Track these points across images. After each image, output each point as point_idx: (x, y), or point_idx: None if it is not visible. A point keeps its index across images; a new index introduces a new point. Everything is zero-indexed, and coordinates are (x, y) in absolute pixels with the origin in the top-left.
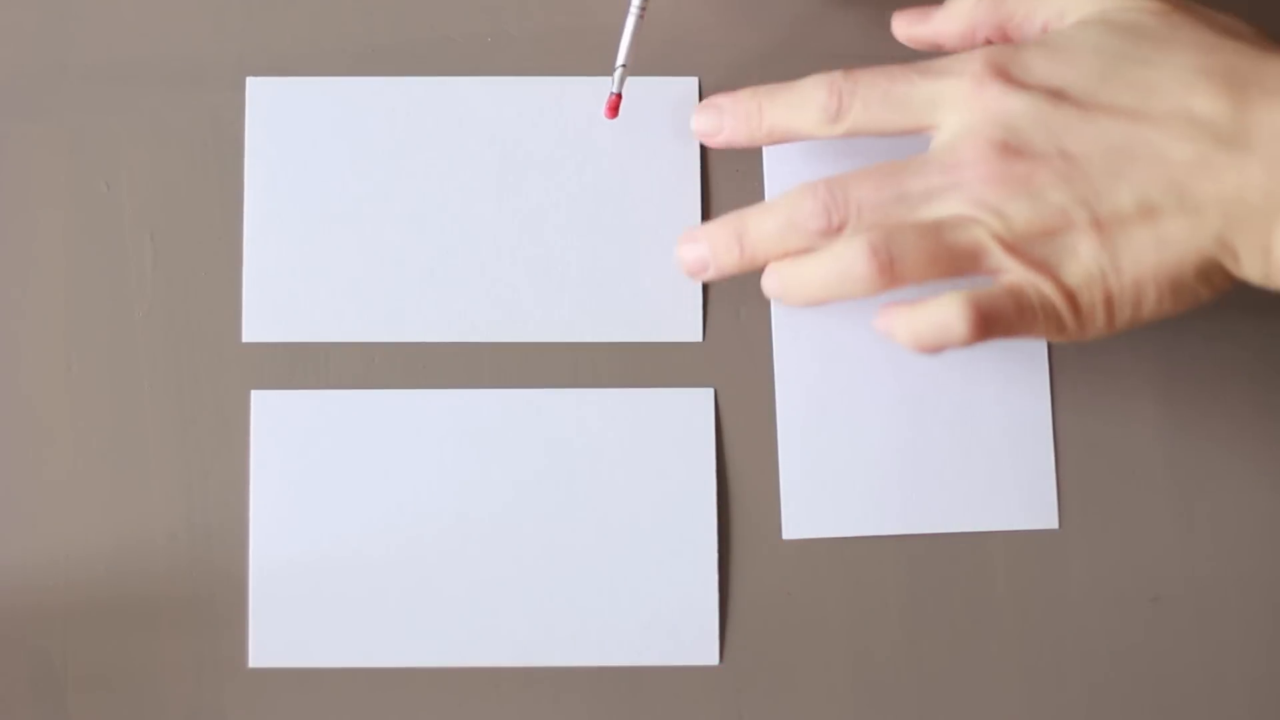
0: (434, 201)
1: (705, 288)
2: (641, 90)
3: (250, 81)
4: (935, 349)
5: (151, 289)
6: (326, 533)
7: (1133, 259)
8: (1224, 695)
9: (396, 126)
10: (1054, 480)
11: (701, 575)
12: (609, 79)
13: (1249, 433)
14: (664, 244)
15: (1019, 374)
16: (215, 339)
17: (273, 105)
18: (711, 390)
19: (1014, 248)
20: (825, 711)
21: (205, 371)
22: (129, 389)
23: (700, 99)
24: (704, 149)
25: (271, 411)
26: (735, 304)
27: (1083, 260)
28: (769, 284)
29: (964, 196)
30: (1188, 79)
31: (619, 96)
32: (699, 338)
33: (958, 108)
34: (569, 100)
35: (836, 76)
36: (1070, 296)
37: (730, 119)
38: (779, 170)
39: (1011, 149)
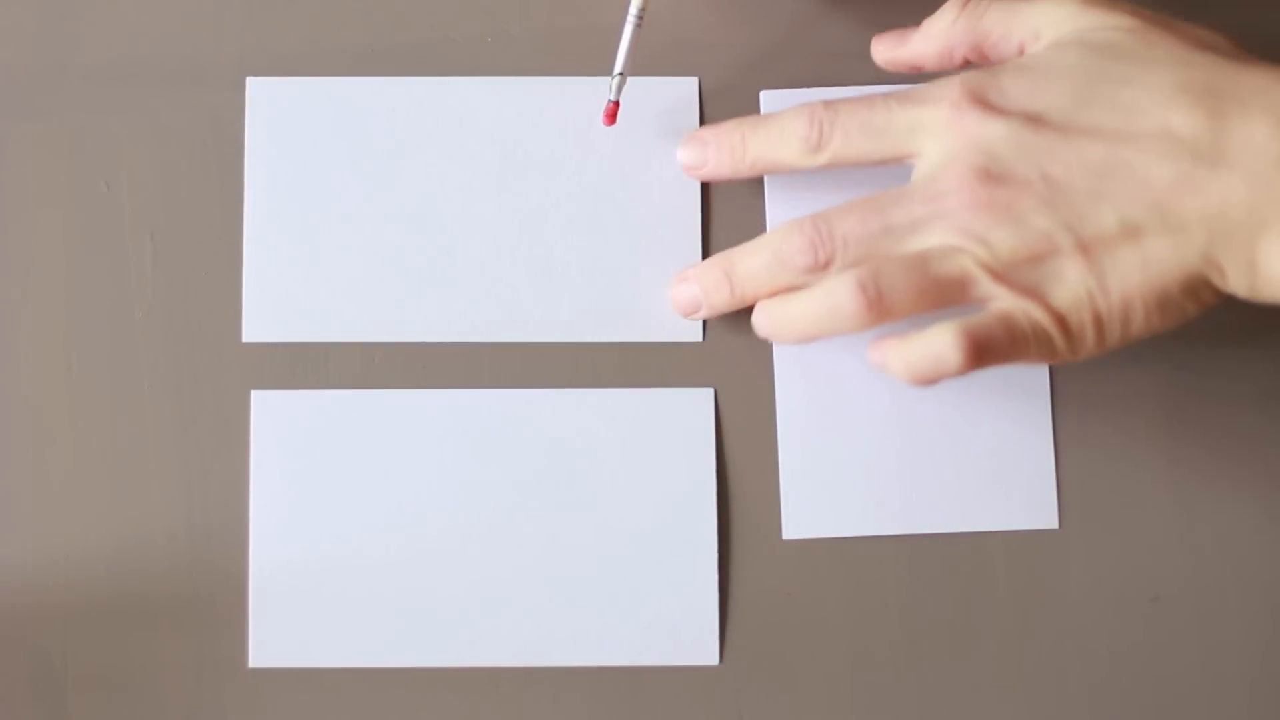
0: (434, 201)
1: None
2: (641, 90)
3: (250, 81)
4: (930, 380)
5: (151, 289)
6: (326, 533)
7: (1119, 279)
8: (1224, 695)
9: (396, 126)
10: (1054, 480)
11: (701, 575)
12: (609, 80)
13: (1249, 433)
14: (664, 244)
15: (1019, 375)
16: (215, 339)
17: (273, 105)
18: (711, 390)
19: (1001, 275)
20: (825, 711)
21: (205, 371)
22: (129, 389)
23: (700, 99)
24: None
25: (271, 411)
26: None
27: (1070, 283)
28: (759, 322)
29: (948, 226)
30: (1165, 96)
31: (617, 104)
32: (699, 338)
33: (937, 135)
34: (569, 100)
35: (816, 107)
36: (1060, 320)
37: (714, 151)
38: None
39: (993, 175)
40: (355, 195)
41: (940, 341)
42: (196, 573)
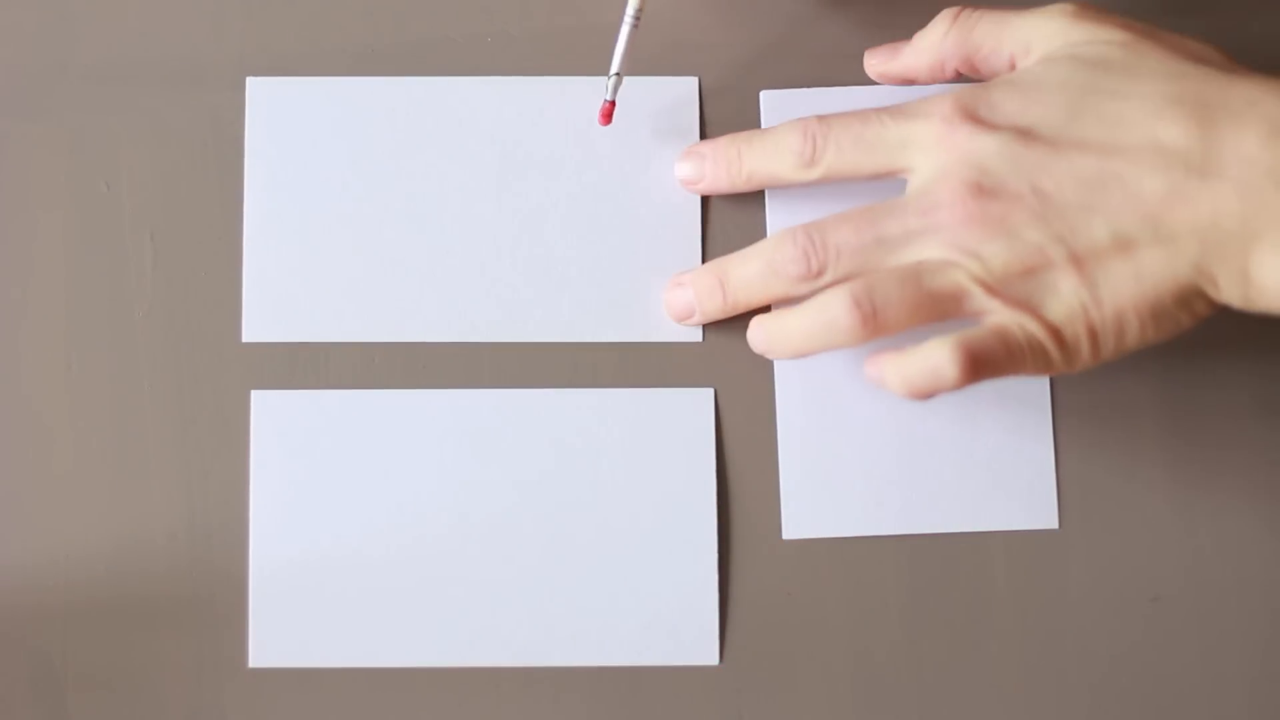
0: (434, 201)
1: None
2: (641, 90)
3: (250, 81)
4: (927, 394)
5: (151, 289)
6: (326, 533)
7: (1112, 291)
8: (1224, 695)
9: (396, 126)
10: (1054, 480)
11: (701, 575)
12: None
13: (1249, 433)
14: (664, 244)
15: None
16: (215, 339)
17: (273, 105)
18: (711, 390)
19: (995, 289)
20: (825, 711)
21: (205, 371)
22: (129, 389)
23: (700, 99)
24: None
25: (271, 411)
26: None
27: (1064, 296)
28: (755, 338)
29: (941, 239)
30: (1156, 109)
31: (613, 104)
32: (699, 338)
33: (929, 150)
34: (569, 100)
35: (810, 121)
36: (1055, 332)
37: (711, 165)
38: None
39: (985, 190)
40: (355, 195)
41: (937, 356)
42: (196, 573)
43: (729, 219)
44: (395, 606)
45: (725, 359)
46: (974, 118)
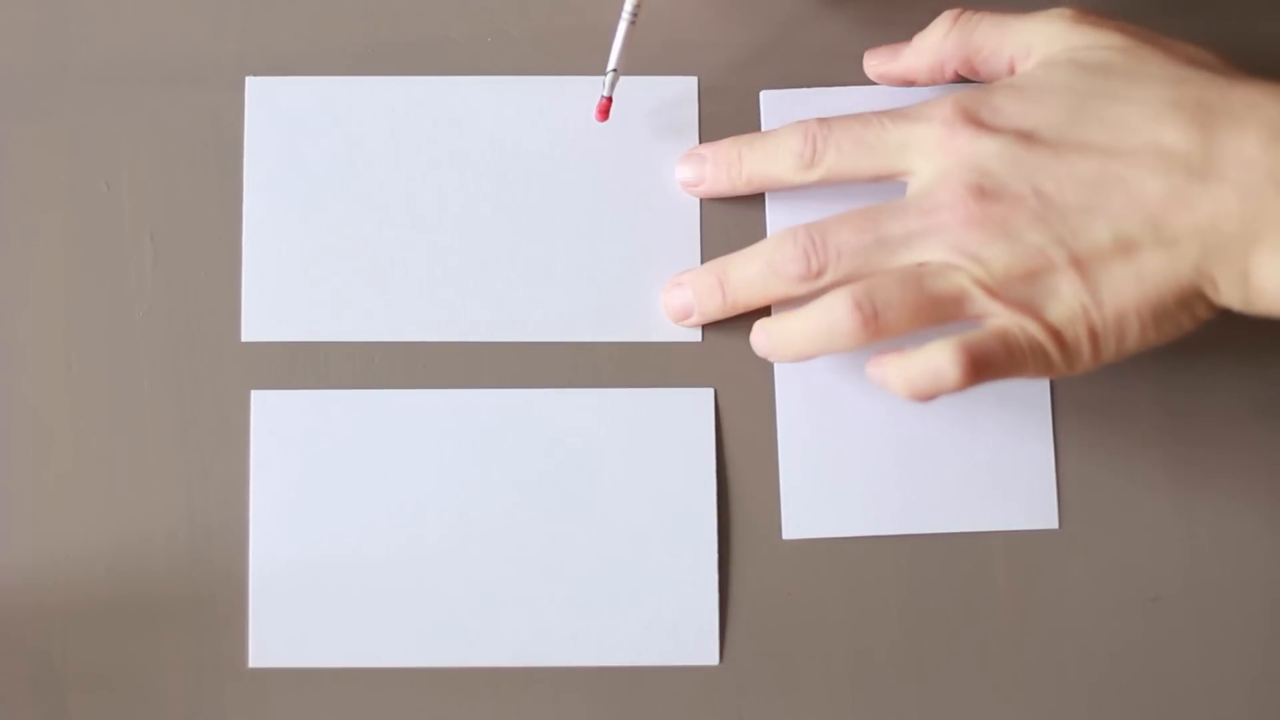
0: (434, 201)
1: None
2: (640, 90)
3: (250, 81)
4: (929, 396)
5: (151, 289)
6: (326, 533)
7: (1113, 293)
8: (1223, 695)
9: (396, 126)
10: (1054, 480)
11: (701, 575)
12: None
13: (1248, 433)
14: (664, 243)
15: None
16: (215, 339)
17: (272, 105)
18: (711, 390)
19: (996, 292)
20: (825, 711)
21: (205, 371)
22: (129, 389)
23: (699, 99)
24: None
25: (271, 411)
26: None
27: (1065, 298)
28: (758, 341)
29: (943, 241)
30: (1157, 112)
31: (609, 100)
32: (699, 338)
33: (930, 153)
34: (569, 100)
35: (811, 124)
36: (1056, 334)
37: (711, 168)
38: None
39: (986, 192)
40: (355, 195)
41: (938, 357)
42: (196, 573)
43: (729, 219)
44: (395, 606)
45: (725, 359)
46: (975, 120)
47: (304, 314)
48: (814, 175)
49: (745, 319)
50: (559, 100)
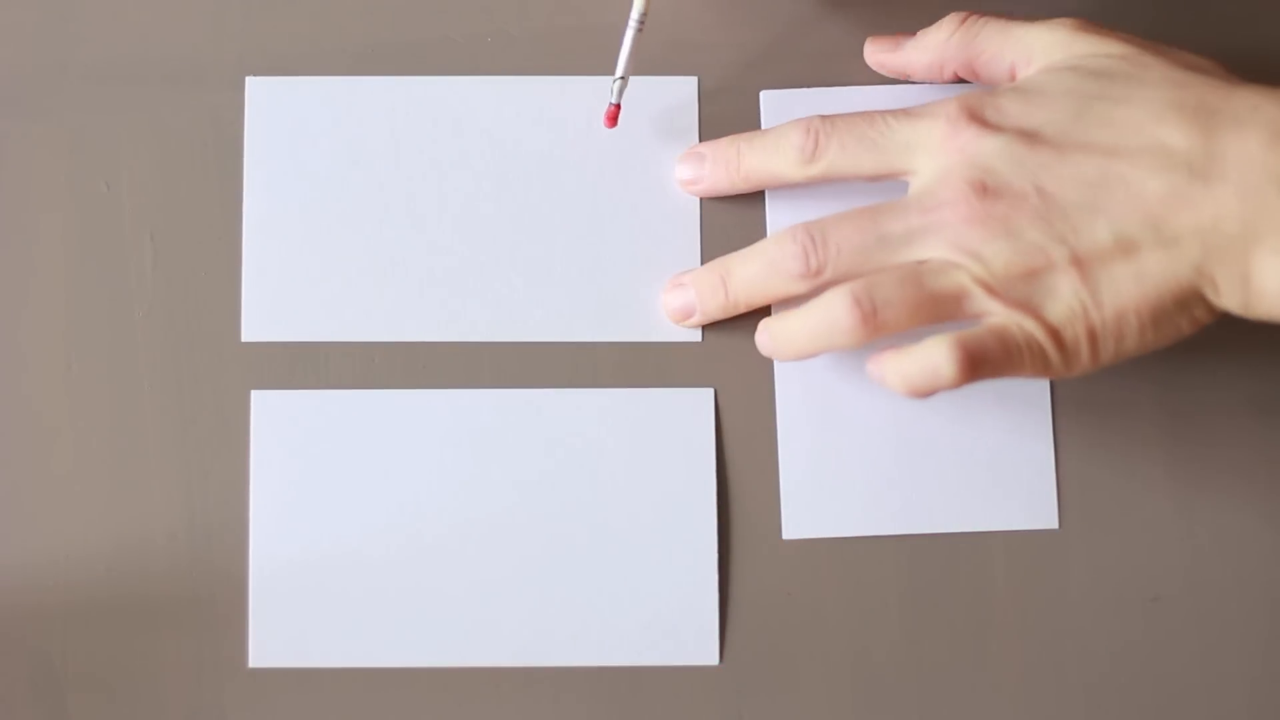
0: (434, 201)
1: None
2: (641, 90)
3: (250, 81)
4: (926, 392)
5: (151, 289)
6: (326, 533)
7: (1113, 293)
8: (1223, 695)
9: (396, 126)
10: (1054, 480)
11: (701, 575)
12: (609, 80)
13: (1248, 433)
14: (664, 243)
15: None
16: (215, 339)
17: (272, 105)
18: (711, 390)
19: (995, 290)
20: (825, 711)
21: (205, 371)
22: (129, 389)
23: (699, 99)
24: None
25: (271, 411)
26: None
27: (1064, 297)
28: (761, 341)
29: (944, 238)
30: (1159, 113)
31: (618, 107)
32: (699, 338)
33: (933, 152)
34: (569, 100)
35: (814, 119)
36: (1055, 334)
37: (710, 165)
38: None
39: (989, 190)
40: (355, 195)
41: (935, 354)
42: (196, 573)
43: (729, 219)
44: (395, 606)
45: (725, 359)
46: (980, 119)
47: (304, 314)
48: (814, 170)
49: (745, 319)
50: (559, 100)
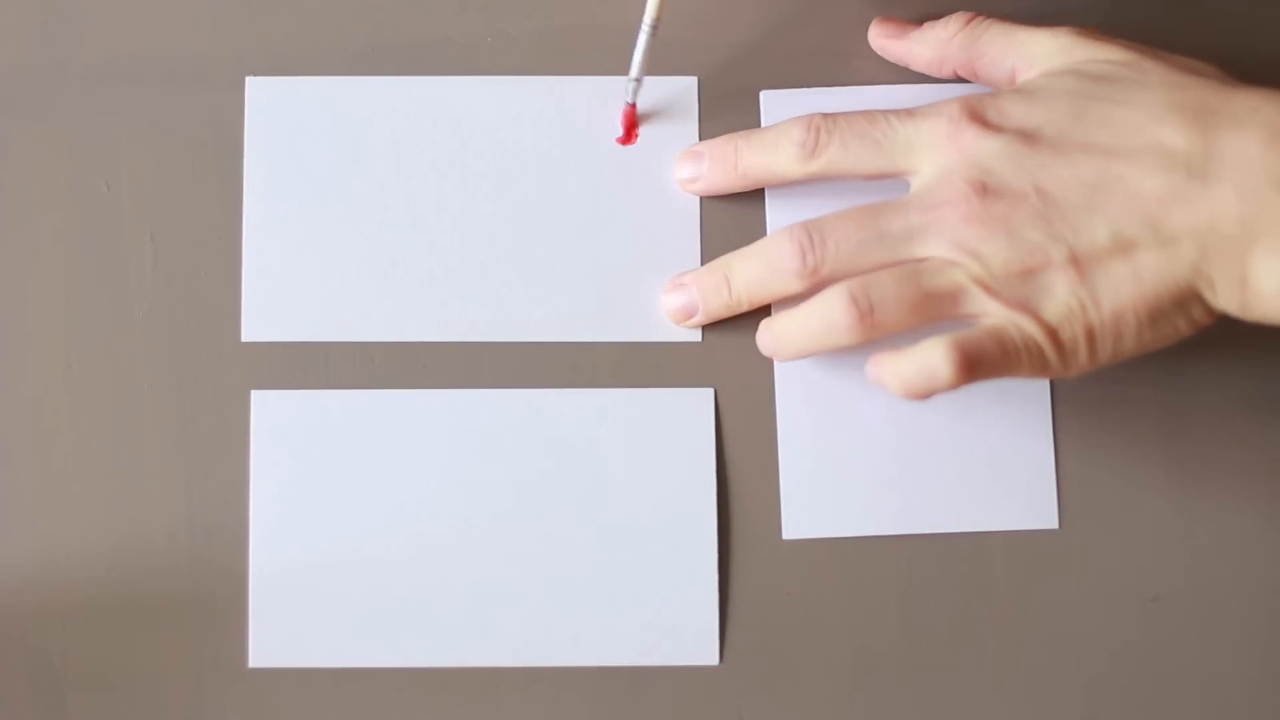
0: (434, 201)
1: None
2: (641, 90)
3: (250, 81)
4: (924, 394)
5: (151, 289)
6: (326, 533)
7: (1111, 292)
8: (1223, 695)
9: (396, 126)
10: (1054, 480)
11: (701, 575)
12: (610, 79)
13: (1248, 433)
14: (664, 243)
15: None
16: (215, 339)
17: (272, 105)
18: (711, 390)
19: (993, 289)
20: (825, 711)
21: (205, 371)
22: (129, 389)
23: (699, 99)
24: None
25: (271, 411)
26: None
27: (1062, 296)
28: (762, 340)
29: (942, 237)
30: (1158, 114)
31: (634, 107)
32: (699, 338)
33: (933, 151)
34: (569, 100)
35: (815, 116)
36: (1052, 333)
37: (709, 164)
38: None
39: (989, 189)
40: (355, 195)
41: (932, 355)
42: (196, 573)
43: (729, 219)
44: (395, 606)
45: (725, 359)
46: (981, 120)
47: (304, 314)
48: (814, 167)
49: (745, 319)
50: (559, 100)
